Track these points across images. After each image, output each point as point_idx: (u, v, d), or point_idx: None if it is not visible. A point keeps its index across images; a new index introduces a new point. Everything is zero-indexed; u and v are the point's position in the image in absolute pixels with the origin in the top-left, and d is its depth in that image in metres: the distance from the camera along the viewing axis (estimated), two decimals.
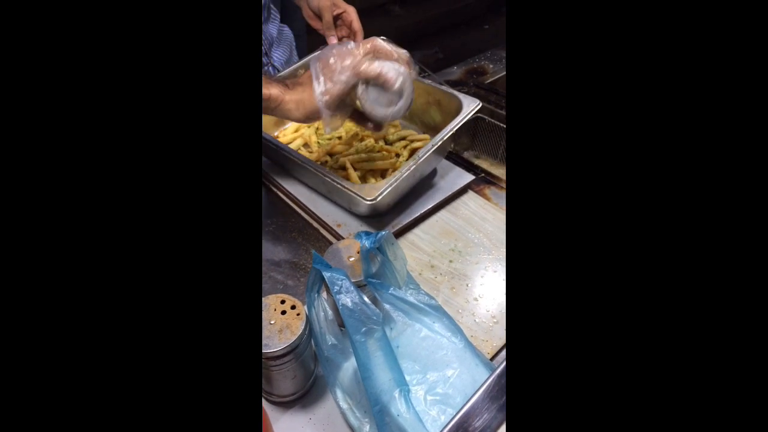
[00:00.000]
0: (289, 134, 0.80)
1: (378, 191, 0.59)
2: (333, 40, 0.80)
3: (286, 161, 0.71)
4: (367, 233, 0.47)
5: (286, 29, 0.98)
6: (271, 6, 0.91)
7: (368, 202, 0.59)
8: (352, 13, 0.79)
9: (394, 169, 0.70)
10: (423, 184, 0.73)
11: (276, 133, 0.81)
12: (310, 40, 1.12)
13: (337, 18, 0.80)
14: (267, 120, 0.79)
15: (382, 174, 0.72)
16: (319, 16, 0.81)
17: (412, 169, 0.62)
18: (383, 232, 0.46)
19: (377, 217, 0.68)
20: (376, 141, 0.77)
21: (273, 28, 0.92)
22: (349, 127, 0.79)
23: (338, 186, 0.61)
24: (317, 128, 0.80)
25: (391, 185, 0.60)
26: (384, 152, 0.74)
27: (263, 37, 0.86)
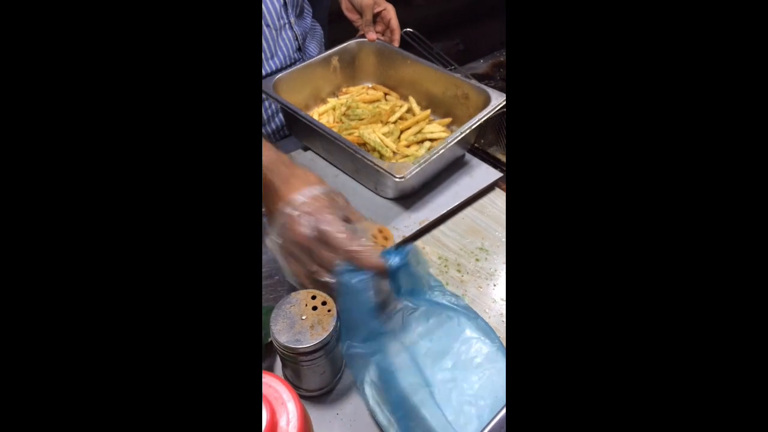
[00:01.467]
0: (319, 112, 0.82)
1: (407, 170, 0.59)
2: (372, 36, 0.82)
3: (316, 136, 0.72)
4: (393, 251, 0.43)
5: (318, 25, 0.99)
6: (305, 1, 0.92)
7: (398, 179, 0.59)
8: (391, 11, 0.82)
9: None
10: (449, 180, 0.72)
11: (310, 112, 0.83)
12: (332, 32, 1.12)
13: (376, 15, 0.82)
14: (300, 97, 0.81)
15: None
16: (359, 11, 0.83)
17: (441, 151, 0.62)
18: (410, 246, 0.44)
19: (404, 211, 0.67)
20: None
21: (307, 21, 0.93)
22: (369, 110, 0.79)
23: (369, 163, 0.61)
24: (347, 108, 0.80)
25: (420, 165, 0.60)
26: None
27: (299, 31, 0.87)
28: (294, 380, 0.46)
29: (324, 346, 0.42)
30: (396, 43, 0.84)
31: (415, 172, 0.60)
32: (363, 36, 0.84)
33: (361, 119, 0.77)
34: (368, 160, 0.62)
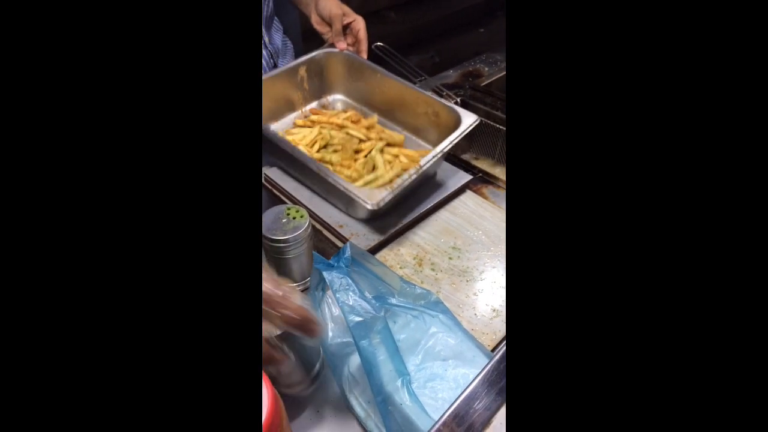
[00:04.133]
0: (295, 135, 0.82)
1: (380, 197, 0.61)
2: (342, 45, 0.85)
3: (288, 159, 0.73)
4: (330, 264, 0.45)
5: (289, 42, 1.01)
6: (275, 18, 0.94)
7: (370, 207, 0.60)
8: (360, 23, 0.84)
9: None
10: (422, 185, 0.75)
11: (281, 132, 0.84)
12: (307, 48, 1.15)
13: (345, 27, 0.84)
14: (270, 117, 0.82)
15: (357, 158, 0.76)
16: (328, 23, 0.85)
17: (413, 177, 0.64)
18: (346, 246, 0.46)
19: (375, 217, 0.70)
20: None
21: (277, 38, 0.95)
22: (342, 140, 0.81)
23: (339, 187, 0.63)
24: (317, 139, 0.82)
25: (393, 193, 0.62)
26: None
27: (272, 47, 0.89)
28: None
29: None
30: (363, 54, 0.86)
31: (388, 198, 0.61)
32: (332, 46, 0.86)
33: (336, 150, 0.77)
34: (340, 185, 0.63)
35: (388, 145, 0.79)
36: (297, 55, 1.05)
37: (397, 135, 0.81)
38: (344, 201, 0.68)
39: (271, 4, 0.89)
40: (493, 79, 1.06)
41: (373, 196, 0.61)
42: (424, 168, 0.65)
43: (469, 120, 0.71)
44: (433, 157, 0.66)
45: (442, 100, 0.77)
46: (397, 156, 0.76)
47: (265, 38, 0.90)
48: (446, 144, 0.68)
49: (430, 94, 0.79)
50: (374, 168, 0.74)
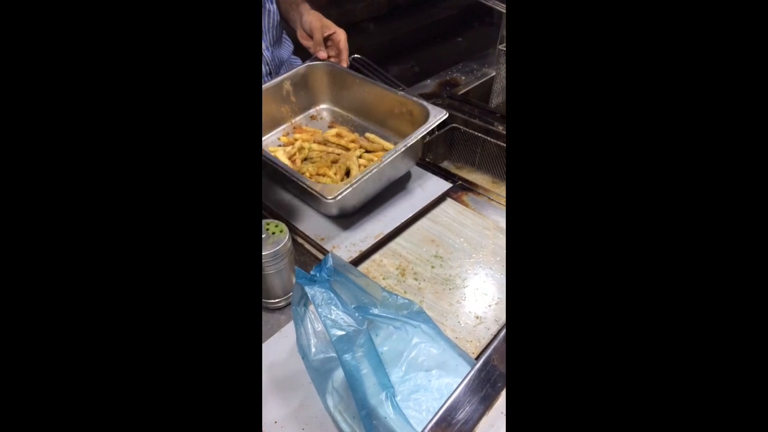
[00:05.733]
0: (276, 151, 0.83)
1: (338, 191, 0.62)
2: (323, 54, 0.88)
3: (266, 167, 0.74)
4: (312, 276, 0.45)
5: (298, 60, 1.04)
6: (285, 36, 0.98)
7: (329, 201, 0.62)
8: (341, 34, 0.87)
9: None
10: (402, 193, 0.75)
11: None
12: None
13: (327, 39, 0.87)
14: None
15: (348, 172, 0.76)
16: (310, 36, 0.88)
17: (374, 171, 0.65)
18: (327, 256, 0.46)
19: (360, 227, 0.70)
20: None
21: (286, 53, 0.99)
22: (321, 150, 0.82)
23: (304, 186, 0.64)
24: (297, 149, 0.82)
25: (352, 185, 0.63)
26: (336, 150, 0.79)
27: (269, 57, 0.92)
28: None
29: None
30: (344, 63, 0.88)
31: (346, 192, 0.62)
32: (315, 59, 0.88)
33: (314, 162, 0.78)
34: (302, 183, 0.64)
35: (368, 151, 0.80)
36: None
37: (378, 140, 0.82)
38: (315, 200, 0.69)
39: (276, 17, 0.92)
40: (470, 87, 1.08)
41: (331, 191, 0.62)
42: (386, 162, 0.66)
43: (437, 114, 0.73)
44: (396, 152, 0.67)
45: (413, 98, 0.78)
46: (372, 161, 0.77)
47: (266, 55, 0.92)
48: (411, 138, 0.69)
49: (402, 93, 0.80)
50: (348, 173, 0.74)
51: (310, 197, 0.71)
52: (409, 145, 0.69)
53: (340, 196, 0.62)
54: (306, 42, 0.90)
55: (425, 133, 0.71)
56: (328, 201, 0.62)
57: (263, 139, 0.86)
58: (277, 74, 0.94)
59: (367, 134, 0.84)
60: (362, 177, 0.64)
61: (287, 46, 1.01)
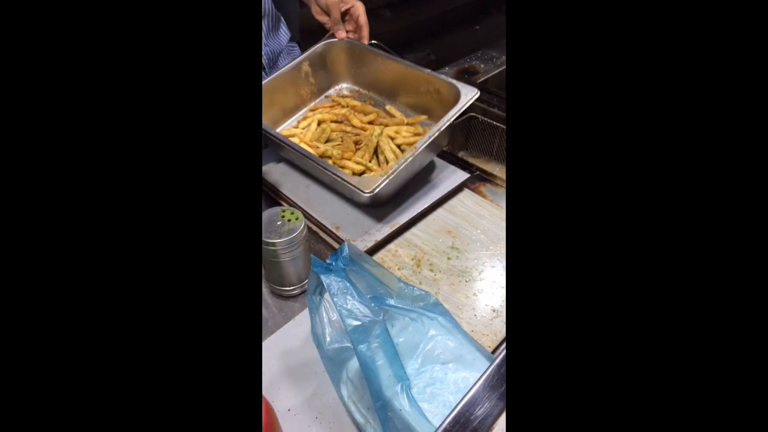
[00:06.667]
0: (297, 132, 0.82)
1: (375, 183, 0.61)
2: (341, 34, 0.83)
3: (294, 157, 0.74)
4: (327, 265, 0.44)
5: (296, 47, 1.00)
6: (281, 20, 0.94)
7: (367, 194, 0.61)
8: (359, 8, 0.81)
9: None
10: (419, 183, 0.74)
11: (279, 129, 0.83)
12: (305, 48, 1.14)
13: (345, 13, 0.82)
14: (271, 115, 0.82)
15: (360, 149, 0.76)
16: (327, 13, 0.83)
17: (409, 159, 0.64)
18: (343, 245, 0.45)
19: (376, 216, 0.69)
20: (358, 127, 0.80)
21: (280, 40, 0.95)
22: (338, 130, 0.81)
23: (339, 179, 0.64)
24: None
25: (389, 176, 0.62)
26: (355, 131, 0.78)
27: (266, 50, 0.88)
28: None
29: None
30: (365, 40, 0.84)
31: (384, 184, 0.62)
32: (332, 36, 0.85)
33: (337, 145, 0.77)
34: (339, 177, 0.64)
35: (387, 126, 0.78)
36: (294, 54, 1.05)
37: (394, 111, 0.80)
38: (347, 191, 0.68)
39: (268, 4, 0.88)
40: (489, 75, 1.05)
41: (369, 184, 0.61)
42: (421, 149, 0.65)
43: (469, 93, 0.70)
44: (429, 138, 0.65)
45: (442, 76, 0.76)
46: (398, 133, 0.76)
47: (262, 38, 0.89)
48: (444, 121, 0.66)
49: (429, 71, 0.77)
50: (377, 155, 0.74)
51: (340, 187, 0.69)
52: (443, 128, 0.66)
53: (377, 189, 0.61)
54: (322, 18, 0.85)
55: (459, 113, 0.68)
56: (365, 194, 0.61)
57: (285, 124, 0.85)
58: (273, 68, 0.90)
59: (388, 107, 0.82)
60: (398, 167, 0.63)
61: (285, 33, 0.96)
